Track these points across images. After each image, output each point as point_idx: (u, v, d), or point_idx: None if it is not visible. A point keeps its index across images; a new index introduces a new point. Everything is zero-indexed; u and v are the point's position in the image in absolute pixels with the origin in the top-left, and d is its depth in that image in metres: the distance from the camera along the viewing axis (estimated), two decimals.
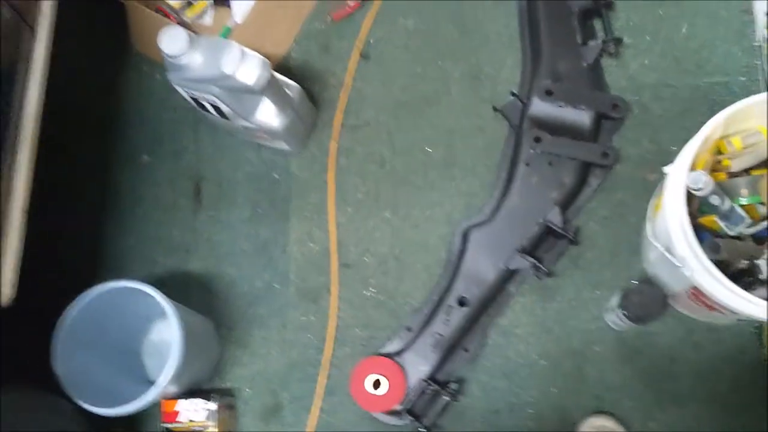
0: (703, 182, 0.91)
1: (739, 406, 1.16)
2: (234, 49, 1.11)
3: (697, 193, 0.93)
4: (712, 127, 0.97)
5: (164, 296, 1.13)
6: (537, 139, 1.25)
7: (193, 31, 1.23)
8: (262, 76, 1.11)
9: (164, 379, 1.10)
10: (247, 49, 1.12)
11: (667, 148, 1.27)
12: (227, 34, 1.36)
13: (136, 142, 1.42)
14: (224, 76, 1.11)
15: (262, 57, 1.12)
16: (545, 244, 1.25)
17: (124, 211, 1.39)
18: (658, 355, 1.20)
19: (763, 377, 1.16)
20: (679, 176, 0.94)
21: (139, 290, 1.14)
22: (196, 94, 1.20)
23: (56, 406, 1.10)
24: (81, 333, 1.14)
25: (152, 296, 1.13)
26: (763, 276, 1.00)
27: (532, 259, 1.20)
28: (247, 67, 1.11)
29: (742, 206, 0.99)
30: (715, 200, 0.95)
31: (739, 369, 1.17)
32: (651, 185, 1.26)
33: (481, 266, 1.23)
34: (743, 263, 1.00)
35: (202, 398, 1.21)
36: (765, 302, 0.89)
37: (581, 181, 1.25)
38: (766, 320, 0.93)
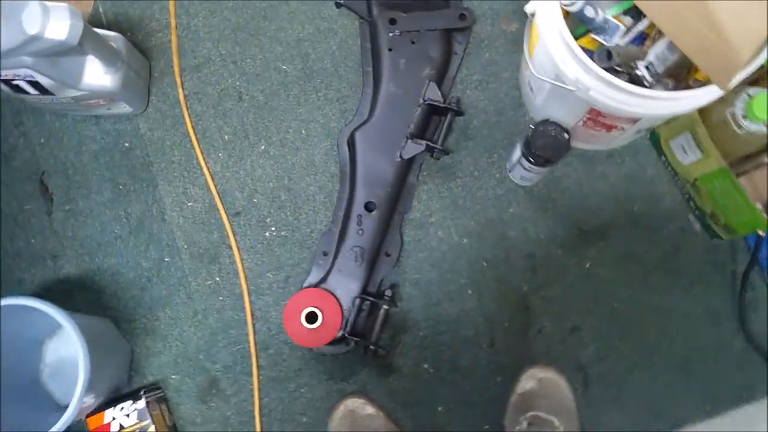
0: None
1: (657, 217, 1.22)
2: (32, 5, 0.98)
3: (571, 8, 0.94)
4: None
5: (50, 304, 1.02)
6: (392, 21, 1.22)
7: None
8: (74, 26, 0.99)
9: (79, 395, 0.99)
10: (48, 2, 1.00)
11: None
12: None
13: None
14: (30, 39, 0.99)
15: (68, 5, 1.01)
16: (432, 125, 1.24)
17: None
18: (570, 196, 1.23)
19: (670, 183, 1.23)
20: None
21: (17, 309, 1.02)
22: (6, 74, 1.07)
23: None
24: None
25: (37, 312, 1.01)
26: (647, 79, 1.04)
27: (424, 141, 1.18)
28: (54, 21, 0.99)
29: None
30: (589, 12, 0.96)
31: (647, 184, 1.23)
32: (513, 36, 1.28)
33: (377, 166, 1.20)
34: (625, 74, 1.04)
35: (130, 400, 1.12)
36: (671, 92, 0.92)
37: (447, 51, 1.25)
38: (664, 116, 0.97)
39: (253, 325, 1.21)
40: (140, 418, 1.12)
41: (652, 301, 1.21)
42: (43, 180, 1.26)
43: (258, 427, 1.19)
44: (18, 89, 1.12)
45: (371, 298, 1.16)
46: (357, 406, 1.14)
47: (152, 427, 1.11)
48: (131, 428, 1.11)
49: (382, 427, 1.13)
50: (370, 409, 1.14)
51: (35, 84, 1.10)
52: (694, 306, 1.20)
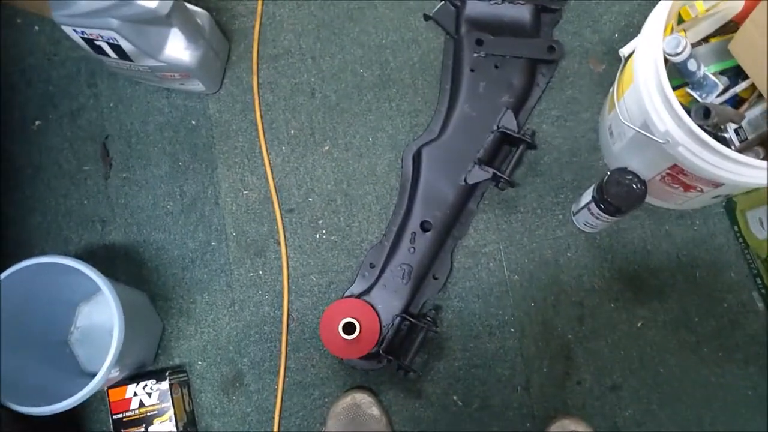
0: (683, 44, 0.88)
1: (719, 287, 1.17)
2: None
3: (676, 59, 0.91)
4: None
5: (93, 268, 1.01)
6: (479, 42, 1.20)
7: None
8: None
9: (110, 362, 0.98)
10: None
11: (609, 37, 1.26)
12: None
13: (24, 109, 1.27)
14: (121, 3, 0.99)
15: None
16: (501, 154, 1.21)
17: (23, 185, 1.24)
18: (633, 251, 1.19)
19: (738, 255, 1.18)
20: (652, 42, 0.91)
21: (60, 267, 1.01)
22: (90, 33, 1.07)
23: None
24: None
25: (77, 273, 1.00)
26: (734, 144, 1.00)
27: (492, 170, 1.15)
28: None
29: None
30: (692, 65, 0.93)
31: (714, 252, 1.18)
32: (599, 77, 1.25)
33: (439, 186, 1.18)
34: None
35: (154, 379, 1.11)
36: (765, 162, 0.88)
37: (530, 81, 1.22)
38: (752, 186, 0.92)
39: (288, 326, 1.19)
40: (161, 400, 1.10)
41: (701, 373, 1.15)
42: (106, 144, 1.26)
43: (276, 429, 1.16)
44: (99, 50, 1.12)
45: (412, 319, 1.13)
46: (364, 403, 1.12)
47: (171, 411, 1.10)
48: (151, 408, 1.10)
49: None
50: (375, 411, 1.12)
51: (117, 48, 1.10)
52: (745, 386, 1.15)
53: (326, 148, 1.24)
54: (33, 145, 1.25)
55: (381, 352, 1.11)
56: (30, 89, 1.27)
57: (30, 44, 1.29)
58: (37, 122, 1.26)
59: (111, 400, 1.10)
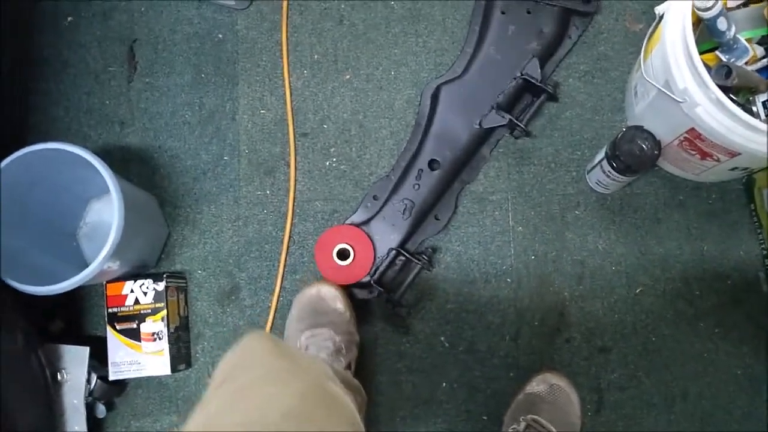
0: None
1: (726, 264, 1.15)
2: None
3: (706, 14, 0.87)
4: None
5: (98, 159, 1.03)
6: None
7: None
8: None
9: (106, 252, 1.01)
10: None
11: None
12: None
13: (58, 3, 1.29)
14: None
15: None
16: (521, 103, 1.19)
17: (49, 78, 1.26)
18: (643, 217, 1.17)
19: (751, 234, 1.15)
20: None
21: (69, 157, 1.03)
22: None
23: None
24: (4, 207, 1.04)
25: (88, 167, 1.02)
26: (761, 116, 0.96)
27: (509, 116, 1.14)
28: None
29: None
30: (722, 24, 0.89)
31: (727, 228, 1.16)
32: (634, 36, 1.21)
33: (453, 126, 1.17)
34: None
35: (152, 279, 1.14)
36: None
37: (561, 32, 1.19)
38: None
39: (288, 247, 1.21)
40: (156, 300, 1.13)
41: (694, 346, 1.14)
42: (133, 47, 1.27)
43: None
44: None
45: (407, 254, 1.13)
46: (330, 297, 1.10)
47: (164, 312, 1.13)
48: (145, 306, 1.13)
49: (342, 326, 1.08)
50: (339, 305, 1.10)
51: None
52: (736, 366, 1.13)
53: (347, 76, 1.24)
54: (63, 40, 1.27)
55: (372, 282, 1.12)
56: None
57: None
58: (69, 18, 1.28)
59: (108, 294, 1.14)
